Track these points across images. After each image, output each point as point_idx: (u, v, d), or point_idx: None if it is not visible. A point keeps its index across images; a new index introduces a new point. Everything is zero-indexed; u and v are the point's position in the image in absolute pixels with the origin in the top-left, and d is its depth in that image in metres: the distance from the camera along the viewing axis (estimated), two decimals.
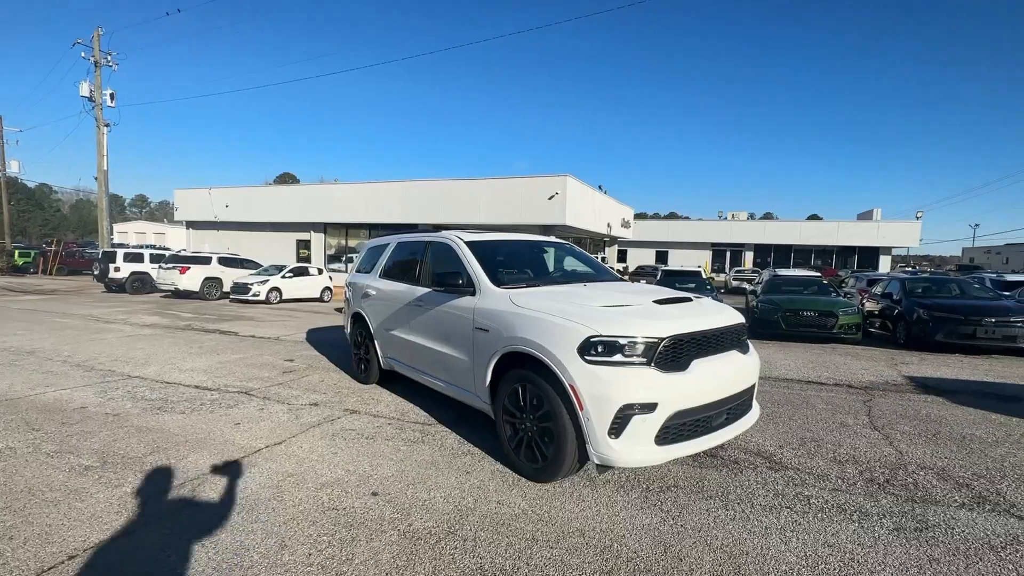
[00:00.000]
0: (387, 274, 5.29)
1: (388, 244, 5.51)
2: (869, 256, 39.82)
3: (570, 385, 2.81)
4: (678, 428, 2.83)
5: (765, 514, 2.73)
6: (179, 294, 17.42)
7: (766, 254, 43.26)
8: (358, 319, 5.67)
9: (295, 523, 2.62)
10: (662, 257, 46.70)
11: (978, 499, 2.92)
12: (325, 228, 24.66)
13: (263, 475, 3.20)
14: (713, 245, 45.38)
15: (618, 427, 2.73)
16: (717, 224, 45.35)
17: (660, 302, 3.32)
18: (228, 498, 2.90)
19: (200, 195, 26.44)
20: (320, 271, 19.25)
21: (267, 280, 16.84)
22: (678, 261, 43.23)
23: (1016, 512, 2.76)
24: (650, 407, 2.72)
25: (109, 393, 5.13)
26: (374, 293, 5.27)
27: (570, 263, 4.91)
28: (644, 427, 2.73)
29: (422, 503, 2.85)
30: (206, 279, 17.58)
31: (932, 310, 8.48)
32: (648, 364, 2.80)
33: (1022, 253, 49.57)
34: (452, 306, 3.92)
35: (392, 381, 5.49)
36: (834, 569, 2.24)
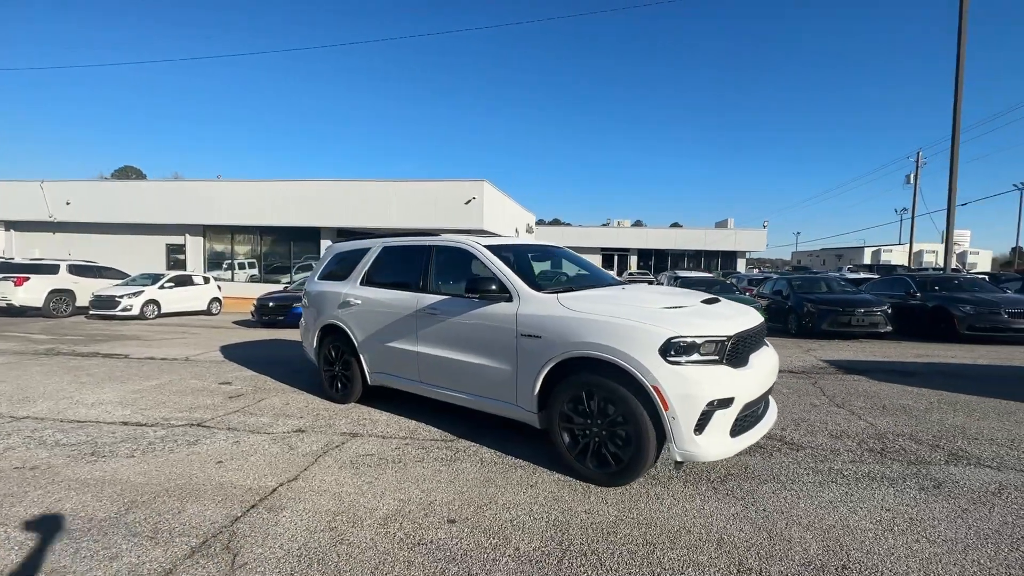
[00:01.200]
0: (372, 282, 4.84)
1: (368, 249, 5.05)
2: (729, 259, 45.81)
3: (653, 386, 2.85)
4: (742, 420, 3.02)
5: (820, 490, 3.04)
6: (13, 311, 14.01)
7: (647, 258, 47.61)
8: (331, 332, 5.10)
9: (388, 568, 2.29)
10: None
11: (953, 456, 3.57)
12: (205, 231, 21.69)
13: (303, 518, 2.74)
14: (602, 250, 48.80)
15: (702, 423, 2.83)
16: (605, 231, 48.94)
17: (706, 303, 3.52)
18: (284, 552, 2.42)
19: (28, 189, 21.58)
20: (207, 280, 16.92)
21: (141, 291, 14.33)
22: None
23: (986, 463, 3.43)
24: (728, 402, 2.88)
25: (1, 442, 3.96)
26: (358, 303, 4.78)
27: (573, 266, 4.96)
28: (723, 421, 2.88)
29: (511, 524, 2.67)
30: (52, 292, 14.39)
31: (818, 304, 10.11)
32: (721, 361, 2.95)
33: (833, 256, 61.45)
34: (484, 314, 3.72)
35: (373, 398, 5.03)
36: (906, 529, 2.57)
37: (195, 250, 21.78)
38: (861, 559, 2.31)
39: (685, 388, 2.81)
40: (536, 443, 3.82)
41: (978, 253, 51.59)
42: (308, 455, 3.67)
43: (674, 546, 2.44)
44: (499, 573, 2.24)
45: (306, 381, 6.09)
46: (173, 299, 15.27)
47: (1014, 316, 8.97)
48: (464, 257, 4.20)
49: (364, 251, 5.08)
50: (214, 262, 21.95)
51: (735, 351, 3.04)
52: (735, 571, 2.23)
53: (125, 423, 4.49)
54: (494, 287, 3.64)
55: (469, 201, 18.39)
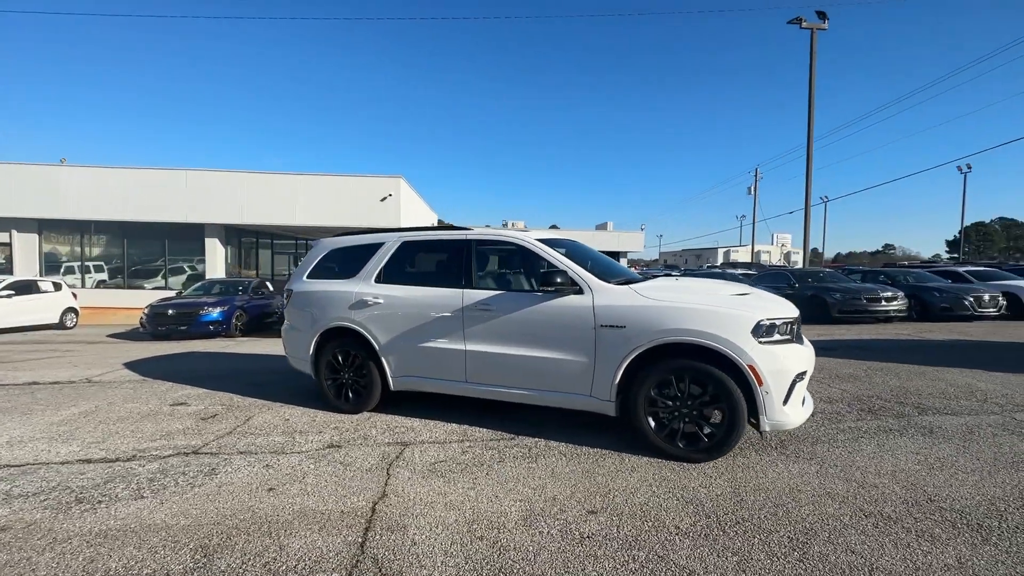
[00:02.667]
0: (391, 279, 4.48)
1: (380, 244, 4.65)
2: (615, 259, 49.81)
3: (748, 365, 3.13)
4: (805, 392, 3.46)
5: (858, 444, 3.60)
6: None
7: None
8: (337, 336, 4.60)
9: (578, 564, 2.22)
10: None
11: (919, 409, 4.44)
12: (40, 227, 17.66)
13: (439, 532, 2.50)
14: None
15: (787, 395, 3.19)
16: (497, 231, 50.11)
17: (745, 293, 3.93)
18: (452, 567, 2.20)
19: None
20: (58, 286, 13.85)
21: None
22: None
23: (944, 412, 4.34)
24: (803, 375, 3.28)
25: None
26: (379, 302, 4.38)
27: (595, 257, 5.06)
28: (799, 392, 3.27)
29: (649, 506, 2.73)
30: None
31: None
32: (793, 340, 3.34)
33: (694, 256, 70.43)
34: (554, 307, 3.69)
35: (386, 404, 4.66)
36: (941, 466, 3.18)
37: (26, 250, 17.59)
38: (935, 492, 2.83)
39: (776, 364, 3.15)
40: (596, 432, 3.90)
41: (799, 252, 63.23)
42: (372, 470, 3.31)
43: (798, 503, 2.73)
44: (683, 551, 2.31)
45: (286, 394, 5.39)
46: (12, 310, 12.21)
47: (870, 301, 11.28)
48: (516, 251, 4.12)
49: (375, 247, 4.67)
50: (51, 264, 17.96)
51: (797, 331, 3.46)
52: (861, 515, 2.58)
53: (86, 460, 3.59)
54: (566, 280, 3.65)
55: (385, 198, 17.57)
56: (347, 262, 4.82)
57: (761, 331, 3.19)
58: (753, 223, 54.04)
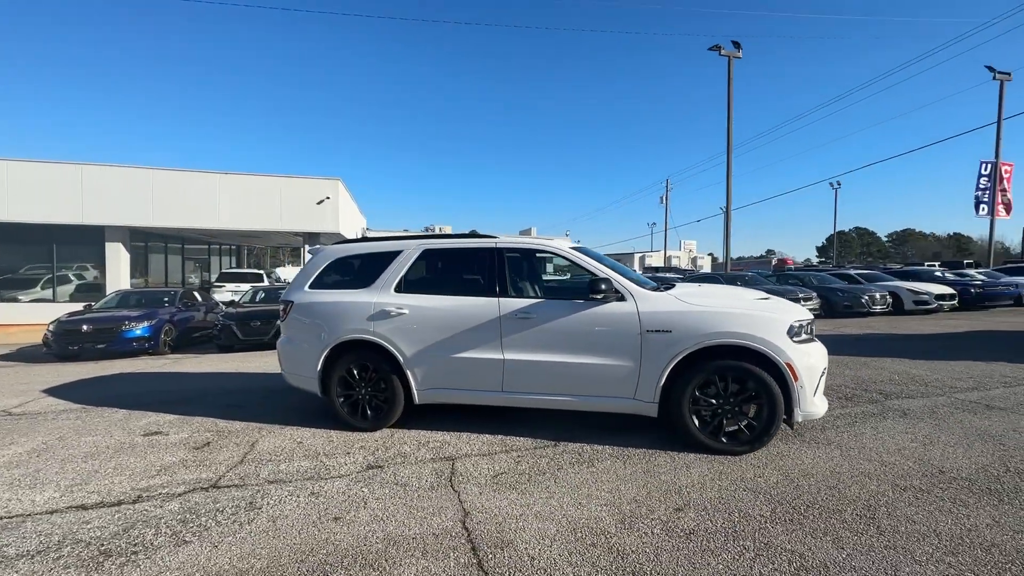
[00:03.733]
0: (413, 288, 4.31)
1: (398, 251, 4.45)
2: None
3: (786, 363, 3.46)
4: None
5: (859, 428, 4.09)
6: None
7: None
8: (353, 349, 4.33)
9: (702, 560, 2.33)
10: None
11: (887, 395, 5.14)
12: None
13: (551, 545, 2.49)
14: None
15: (817, 388, 3.57)
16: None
17: (765, 298, 4.31)
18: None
19: None
20: None
21: None
22: None
23: (908, 396, 5.07)
24: (826, 370, 3.69)
25: None
26: (404, 313, 4.19)
27: (614, 265, 5.19)
28: (823, 385, 3.67)
29: (726, 499, 2.92)
30: None
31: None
32: (814, 339, 3.74)
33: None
34: (598, 314, 3.79)
35: (405, 417, 4.48)
36: (930, 442, 3.73)
37: None
38: (940, 464, 3.33)
39: (807, 361, 3.51)
40: (626, 433, 4.05)
41: (704, 257, 69.21)
42: (436, 488, 3.18)
43: (844, 484, 3.07)
44: (782, 536, 2.51)
45: (278, 414, 4.94)
46: None
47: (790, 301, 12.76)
48: (551, 259, 4.16)
49: (391, 255, 4.46)
50: None
51: (814, 331, 3.88)
52: (899, 489, 2.98)
53: (79, 507, 3.06)
54: (610, 288, 3.77)
55: (322, 201, 16.60)
56: (359, 271, 4.56)
57: (793, 332, 3.55)
58: (665, 230, 58.15)
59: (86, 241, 15.67)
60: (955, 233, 77.27)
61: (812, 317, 3.85)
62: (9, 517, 2.96)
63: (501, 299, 4.05)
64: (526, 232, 55.50)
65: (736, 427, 3.59)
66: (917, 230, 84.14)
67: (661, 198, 57.59)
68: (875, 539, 2.47)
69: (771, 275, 16.58)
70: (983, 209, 21.95)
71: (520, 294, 4.11)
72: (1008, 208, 21.95)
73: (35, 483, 3.45)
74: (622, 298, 3.81)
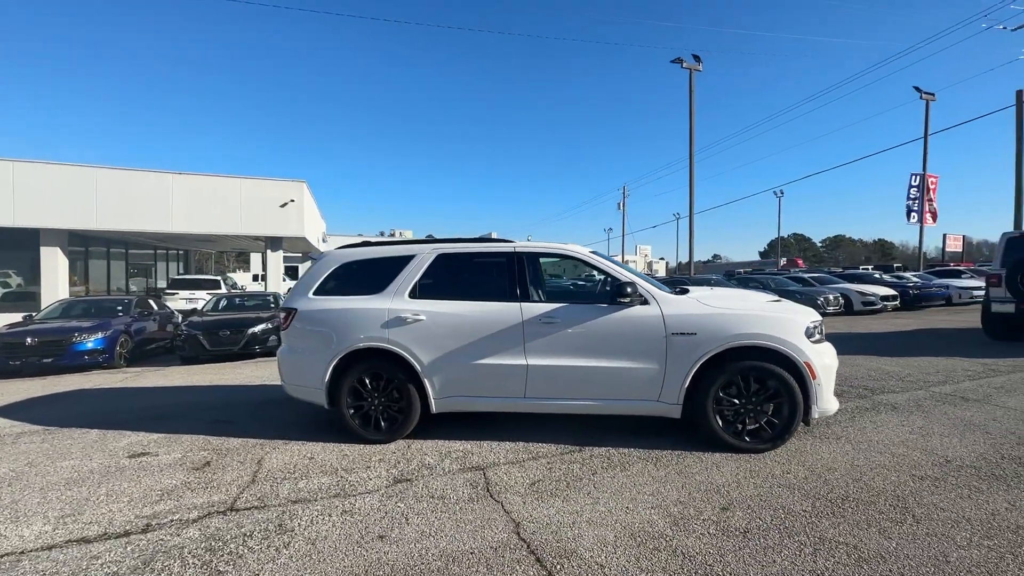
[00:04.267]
0: (428, 294, 4.19)
1: (411, 256, 4.31)
2: None
3: (805, 363, 3.61)
4: None
5: (859, 422, 4.32)
6: None
7: None
8: (365, 358, 4.16)
9: (768, 556, 2.38)
10: None
11: (872, 391, 5.46)
12: None
13: (615, 552, 2.47)
14: None
15: (831, 386, 3.74)
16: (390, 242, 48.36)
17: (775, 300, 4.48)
18: None
19: None
20: None
21: None
22: None
23: (891, 391, 5.40)
24: (836, 368, 3.87)
25: None
26: (421, 319, 4.06)
27: (632, 270, 5.23)
28: (834, 383, 3.85)
29: (764, 495, 3.00)
30: None
31: None
32: (825, 339, 3.93)
33: (569, 266, 75.48)
34: (624, 317, 3.82)
35: (420, 425, 4.34)
36: (926, 433, 4.00)
37: None
38: (944, 454, 3.57)
39: (823, 360, 3.68)
40: (643, 435, 4.09)
41: (659, 261, 71.73)
42: (476, 500, 3.09)
43: (868, 476, 3.23)
44: (832, 530, 2.60)
45: (275, 428, 4.66)
46: None
47: None
48: (572, 264, 4.16)
49: (403, 259, 4.32)
50: None
51: (824, 332, 4.07)
52: (918, 479, 3.16)
53: (81, 540, 2.76)
54: (635, 292, 3.81)
55: (286, 204, 15.93)
56: (368, 276, 4.38)
57: (809, 332, 3.71)
58: (623, 235, 59.57)
59: (18, 245, 14.28)
60: (880, 239, 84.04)
61: (822, 319, 4.04)
62: (18, 554, 2.63)
63: (523, 304, 4.01)
64: (485, 236, 55.51)
65: (757, 425, 3.71)
66: (848, 236, 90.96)
67: (618, 204, 59.17)
68: (915, 528, 2.61)
69: (732, 278, 17.37)
70: (914, 217, 23.98)
71: (541, 298, 4.08)
72: (934, 216, 24.09)
73: (17, 516, 3.08)
74: (645, 302, 3.86)
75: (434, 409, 4.13)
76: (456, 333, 4.04)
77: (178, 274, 23.25)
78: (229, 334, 9.13)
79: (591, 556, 2.44)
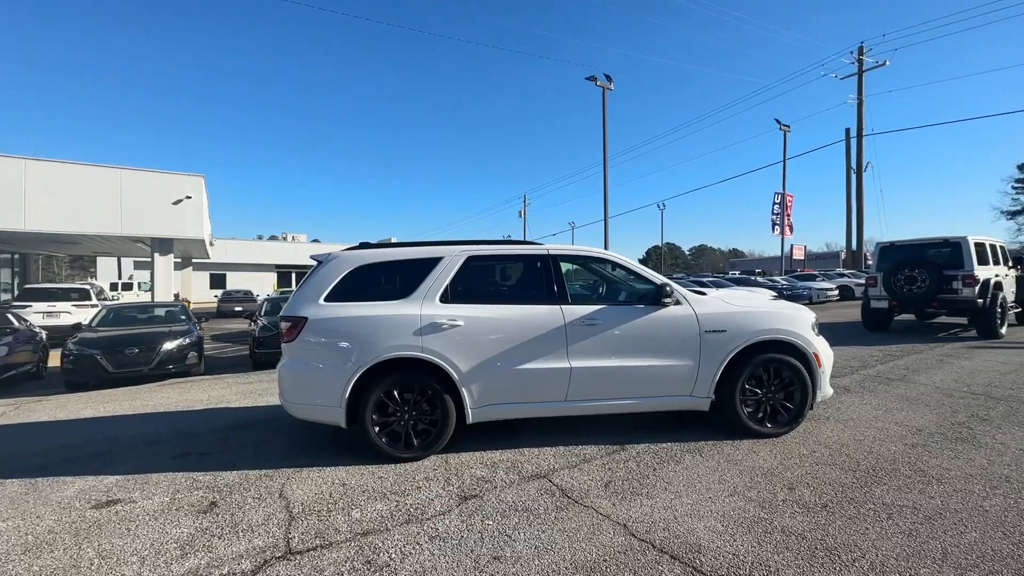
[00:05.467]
0: (460, 298, 3.97)
1: (439, 259, 4.04)
2: None
3: (814, 353, 4.09)
4: None
5: (838, 404, 4.98)
6: None
7: None
8: (394, 370, 3.81)
9: (852, 523, 2.66)
10: (219, 281, 41.10)
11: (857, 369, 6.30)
12: None
13: (739, 541, 2.58)
14: (278, 267, 44.07)
15: (829, 373, 4.27)
16: (283, 246, 44.32)
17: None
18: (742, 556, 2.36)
19: None
20: None
21: None
22: (240, 283, 39.30)
23: (840, 375, 6.29)
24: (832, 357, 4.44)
25: None
26: (459, 325, 3.83)
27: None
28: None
29: (813, 475, 3.33)
30: None
31: None
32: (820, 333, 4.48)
33: None
34: (661, 317, 3.98)
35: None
36: (887, 409, 4.75)
37: None
38: (912, 425, 4.27)
39: (826, 350, 4.21)
40: (669, 429, 4.32)
41: None
42: (563, 508, 3.01)
43: (876, 448, 3.76)
44: (887, 497, 2.99)
45: (274, 456, 4.05)
46: None
47: None
48: (605, 266, 4.23)
49: (430, 262, 4.05)
50: None
51: None
52: (912, 446, 3.76)
53: None
54: (670, 293, 4.01)
55: (181, 201, 13.87)
56: (390, 280, 4.04)
57: (813, 326, 4.22)
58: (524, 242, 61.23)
59: None
60: (733, 248, 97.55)
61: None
62: None
63: (563, 306, 3.99)
64: (385, 241, 53.60)
65: (777, 411, 4.11)
66: (710, 245, 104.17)
67: (520, 211, 60.88)
68: (941, 487, 3.10)
69: None
70: (776, 230, 28.23)
71: (579, 301, 4.09)
72: (791, 229, 28.61)
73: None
74: (678, 302, 4.08)
75: (470, 420, 3.92)
76: (497, 338, 3.89)
77: (18, 283, 18.97)
78: (138, 352, 7.68)
79: (718, 546, 2.52)
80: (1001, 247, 9.81)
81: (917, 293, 8.98)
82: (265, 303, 10.63)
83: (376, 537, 2.75)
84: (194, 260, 23.91)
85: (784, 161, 27.81)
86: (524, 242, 4.36)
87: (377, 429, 3.81)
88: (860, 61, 28.86)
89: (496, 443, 4.13)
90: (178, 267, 24.60)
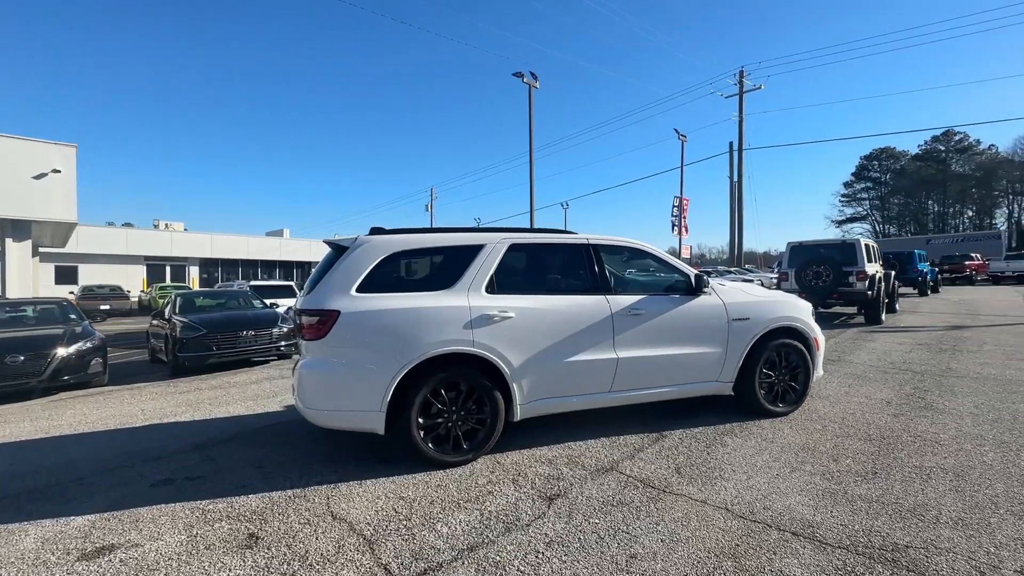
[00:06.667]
0: (504, 288, 3.74)
1: (481, 246, 3.75)
2: (306, 269, 45.66)
3: (814, 338, 4.53)
4: None
5: (837, 382, 5.57)
6: None
7: (213, 269, 41.26)
8: (442, 367, 3.48)
9: (903, 485, 3.00)
10: (68, 275, 34.60)
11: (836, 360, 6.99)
12: None
13: (829, 511, 2.76)
14: (147, 259, 38.24)
15: (822, 356, 4.77)
16: (155, 235, 38.37)
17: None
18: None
19: None
20: None
21: None
22: (97, 277, 33.42)
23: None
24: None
25: None
26: (511, 316, 3.59)
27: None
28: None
29: (843, 446, 3.68)
30: None
31: None
32: None
33: None
34: (695, 306, 4.12)
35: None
36: (854, 386, 5.45)
37: None
38: (879, 397, 4.93)
39: (821, 336, 4.68)
40: (687, 414, 4.52)
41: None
42: (654, 498, 2.98)
43: (870, 419, 4.27)
44: (913, 459, 3.41)
45: (289, 472, 3.48)
46: None
47: None
48: (640, 256, 4.27)
49: (471, 249, 3.75)
50: None
51: None
52: (895, 415, 4.34)
53: None
54: (704, 283, 4.17)
55: (45, 175, 11.33)
56: (429, 269, 3.68)
57: (812, 313, 4.67)
58: None
59: None
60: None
61: None
62: None
63: (608, 296, 3.95)
64: (276, 234, 49.22)
65: (785, 392, 4.48)
66: None
67: (426, 206, 59.54)
68: (943, 448, 3.61)
69: None
70: (675, 231, 31.01)
71: (621, 291, 4.07)
72: (687, 230, 31.64)
73: None
74: (708, 292, 4.26)
75: (518, 416, 3.72)
76: (548, 330, 3.73)
77: None
78: (23, 360, 6.10)
79: (823, 519, 2.66)
80: (876, 247, 11.80)
81: (823, 286, 10.44)
82: (177, 299, 9.09)
83: (485, 551, 2.48)
84: (41, 249, 19.72)
85: (682, 168, 30.69)
86: (555, 230, 4.24)
87: (423, 433, 3.45)
88: (741, 83, 32.70)
89: (531, 440, 3.97)
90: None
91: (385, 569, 2.35)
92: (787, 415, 4.43)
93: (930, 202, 69.43)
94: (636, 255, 4.42)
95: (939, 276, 20.82)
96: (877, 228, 71.15)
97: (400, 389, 3.40)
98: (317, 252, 45.92)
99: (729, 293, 4.36)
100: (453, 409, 3.53)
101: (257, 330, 8.00)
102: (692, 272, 4.28)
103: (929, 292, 18.23)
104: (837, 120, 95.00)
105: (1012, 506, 2.75)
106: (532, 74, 20.83)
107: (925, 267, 18.50)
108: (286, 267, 44.31)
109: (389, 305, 3.45)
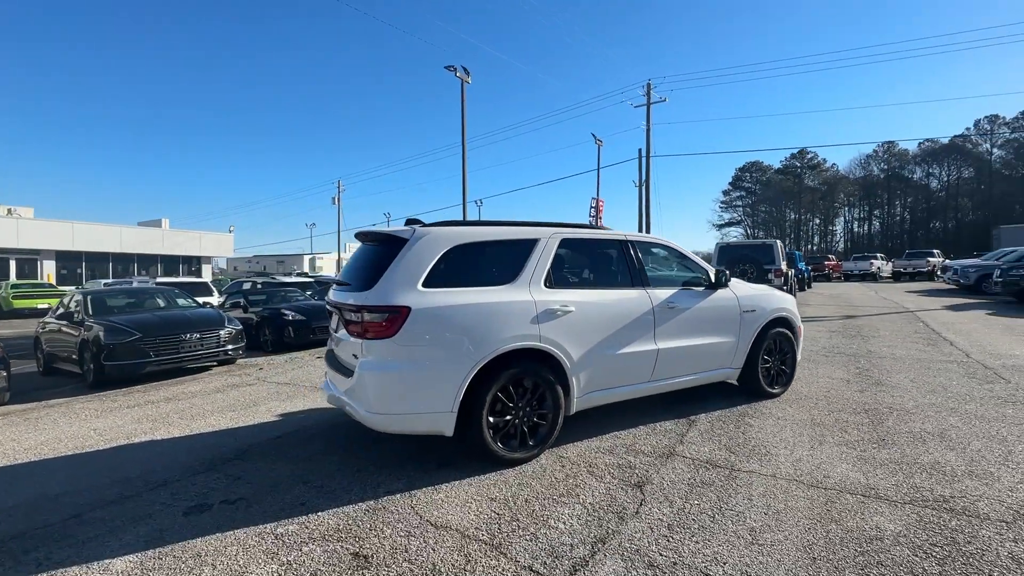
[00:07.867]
0: (558, 282, 3.74)
1: (535, 240, 3.71)
2: (193, 264, 40.76)
3: (798, 326, 5.14)
4: None
5: (801, 368, 6.26)
6: None
7: (75, 264, 35.31)
8: (513, 362, 3.40)
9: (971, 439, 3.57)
10: None
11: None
12: None
13: (889, 478, 3.19)
14: None
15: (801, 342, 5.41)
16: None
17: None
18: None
19: None
20: None
21: None
22: None
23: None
24: None
25: None
26: (570, 311, 3.59)
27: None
28: None
29: (847, 420, 4.24)
30: None
31: None
32: None
33: (275, 262, 66.74)
34: (716, 299, 4.45)
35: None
36: (817, 370, 6.25)
37: None
38: (840, 377, 5.73)
39: (801, 324, 5.31)
40: (709, 398, 4.88)
41: (322, 257, 70.29)
42: (728, 477, 3.20)
43: (847, 397, 4.95)
44: (917, 423, 4.04)
45: (347, 481, 3.17)
46: None
47: None
48: (671, 252, 4.50)
49: (528, 243, 3.70)
50: None
51: None
52: (859, 391, 5.08)
53: None
54: (722, 278, 4.53)
55: None
56: (490, 263, 3.56)
57: (795, 304, 5.29)
58: (338, 233, 56.92)
59: None
60: None
61: None
62: None
63: (648, 290, 4.13)
64: (153, 224, 43.40)
65: (779, 375, 5.03)
66: None
67: (333, 199, 56.19)
68: (915, 415, 4.31)
69: None
70: None
71: (656, 285, 4.27)
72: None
73: None
74: (724, 286, 4.63)
75: (573, 409, 3.76)
76: (602, 324, 3.80)
77: None
78: None
79: (875, 483, 3.06)
80: (783, 248, 13.55)
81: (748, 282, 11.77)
82: (88, 299, 7.64)
83: (617, 540, 2.50)
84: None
85: (598, 170, 32.44)
86: (590, 226, 4.33)
87: (493, 432, 3.35)
88: (648, 95, 35.37)
89: (579, 432, 4.03)
90: None
91: (531, 570, 2.28)
92: (780, 396, 4.98)
93: (787, 210, 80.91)
94: (667, 251, 4.67)
95: (812, 274, 24.50)
96: (748, 232, 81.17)
97: (470, 388, 3.27)
98: (209, 246, 41.20)
99: (739, 287, 4.78)
100: (520, 405, 3.47)
101: (202, 332, 7.01)
102: (713, 268, 4.63)
103: (806, 288, 21.34)
104: (722, 135, 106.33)
105: (997, 458, 3.40)
106: (464, 69, 20.63)
107: (803, 266, 21.60)
108: (170, 262, 39.17)
109: (459, 300, 3.29)
